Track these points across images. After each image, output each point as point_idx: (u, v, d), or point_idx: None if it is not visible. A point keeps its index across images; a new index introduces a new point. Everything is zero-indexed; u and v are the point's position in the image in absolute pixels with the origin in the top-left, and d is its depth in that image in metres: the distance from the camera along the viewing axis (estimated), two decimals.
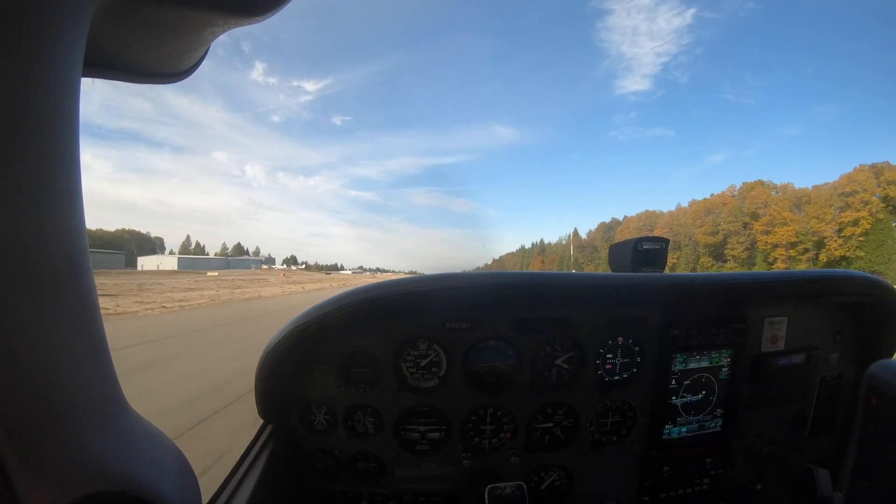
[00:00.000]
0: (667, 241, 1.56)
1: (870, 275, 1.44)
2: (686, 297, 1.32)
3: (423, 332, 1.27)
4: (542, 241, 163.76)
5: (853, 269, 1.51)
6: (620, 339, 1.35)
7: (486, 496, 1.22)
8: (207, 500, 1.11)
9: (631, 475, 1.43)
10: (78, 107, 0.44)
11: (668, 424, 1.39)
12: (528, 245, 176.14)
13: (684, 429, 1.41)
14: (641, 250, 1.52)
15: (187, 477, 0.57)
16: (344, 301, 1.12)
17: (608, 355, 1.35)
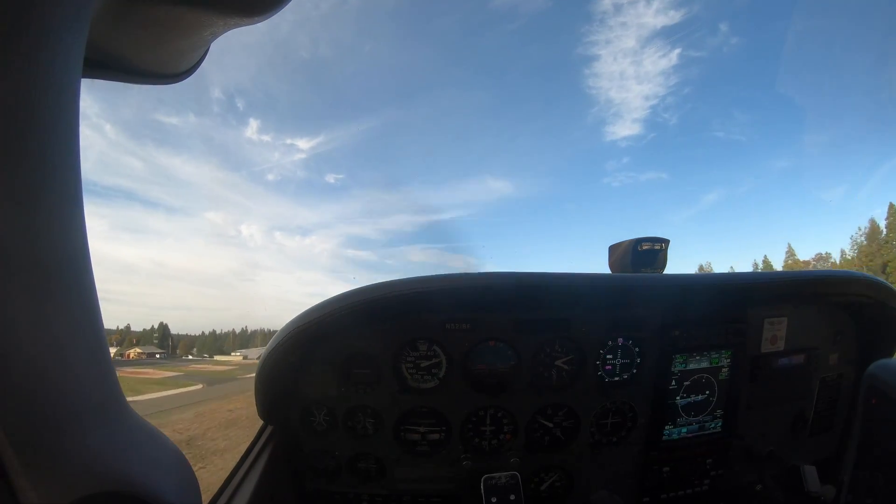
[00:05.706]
0: (667, 241, 1.55)
1: (869, 275, 1.44)
2: (686, 298, 1.32)
3: (424, 332, 1.27)
4: None
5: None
6: (620, 339, 1.34)
7: (481, 486, 1.22)
8: (208, 501, 1.11)
9: (631, 476, 1.43)
10: (78, 107, 0.44)
11: (668, 425, 1.39)
12: None
13: (684, 429, 1.41)
14: (641, 251, 1.52)
15: (187, 477, 0.56)
16: (343, 301, 1.11)
17: (608, 356, 1.35)
